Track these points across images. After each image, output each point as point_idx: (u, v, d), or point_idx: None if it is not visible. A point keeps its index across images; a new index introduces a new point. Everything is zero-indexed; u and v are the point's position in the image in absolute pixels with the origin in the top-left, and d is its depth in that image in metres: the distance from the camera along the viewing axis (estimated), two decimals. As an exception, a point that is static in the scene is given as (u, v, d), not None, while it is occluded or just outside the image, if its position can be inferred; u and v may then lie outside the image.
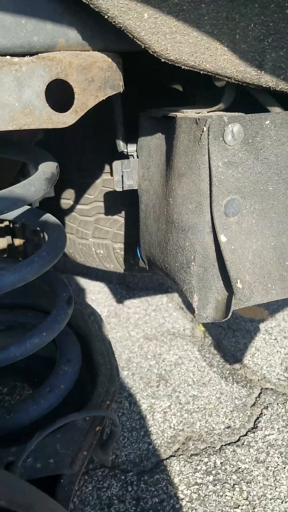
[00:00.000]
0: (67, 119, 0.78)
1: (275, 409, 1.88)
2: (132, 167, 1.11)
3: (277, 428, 1.80)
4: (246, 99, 0.92)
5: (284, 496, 1.56)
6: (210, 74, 0.77)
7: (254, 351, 2.21)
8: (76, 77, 0.77)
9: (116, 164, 1.11)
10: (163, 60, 0.75)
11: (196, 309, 0.92)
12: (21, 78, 0.74)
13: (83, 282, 2.88)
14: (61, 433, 0.89)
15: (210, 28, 0.73)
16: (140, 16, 0.70)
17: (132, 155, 1.14)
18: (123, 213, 1.46)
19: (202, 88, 0.96)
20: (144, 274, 1.75)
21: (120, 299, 2.67)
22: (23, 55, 0.77)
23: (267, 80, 0.77)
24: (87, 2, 0.69)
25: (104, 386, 0.99)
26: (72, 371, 1.02)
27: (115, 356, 1.23)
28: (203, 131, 0.82)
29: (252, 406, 1.90)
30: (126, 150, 1.14)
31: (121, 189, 1.12)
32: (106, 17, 0.70)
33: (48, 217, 1.06)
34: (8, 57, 0.75)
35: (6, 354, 0.89)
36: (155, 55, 0.74)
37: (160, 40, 0.72)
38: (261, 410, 1.88)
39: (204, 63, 0.75)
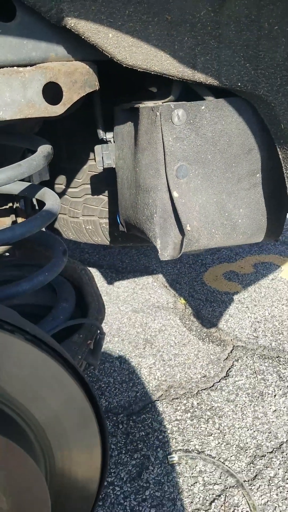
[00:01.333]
0: (58, 109, 1.10)
1: (244, 360, 2.19)
2: (110, 150, 1.43)
3: (245, 375, 2.11)
4: (193, 93, 1.24)
5: (249, 426, 1.86)
6: (159, 74, 1.08)
7: (228, 317, 2.53)
8: (64, 80, 1.08)
9: (97, 148, 1.43)
10: (124, 65, 1.06)
11: (159, 250, 1.24)
12: (25, 82, 1.05)
13: (77, 268, 3.17)
14: (62, 345, 1.20)
15: (156, 42, 1.05)
16: (107, 35, 1.02)
17: (110, 141, 1.45)
18: (106, 192, 1.78)
19: (159, 85, 1.28)
20: (126, 245, 2.04)
21: (110, 281, 2.98)
22: (25, 65, 1.09)
23: (199, 76, 1.09)
24: (70, 28, 1.00)
25: (93, 315, 1.30)
26: (68, 306, 1.32)
27: (105, 317, 1.53)
28: (156, 116, 1.14)
29: (225, 359, 2.21)
30: (105, 137, 1.45)
31: (101, 168, 1.43)
32: (83, 37, 1.01)
33: (45, 189, 1.37)
34: (15, 67, 1.06)
35: (19, 287, 1.19)
36: (118, 62, 1.05)
37: (121, 51, 1.03)
38: (233, 362, 2.19)
39: (153, 66, 1.06)
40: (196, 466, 1.72)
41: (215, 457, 1.75)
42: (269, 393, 2.00)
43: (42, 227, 1.22)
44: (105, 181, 1.76)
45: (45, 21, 1.04)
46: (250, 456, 1.74)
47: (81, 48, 1.09)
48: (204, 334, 2.39)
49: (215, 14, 1.03)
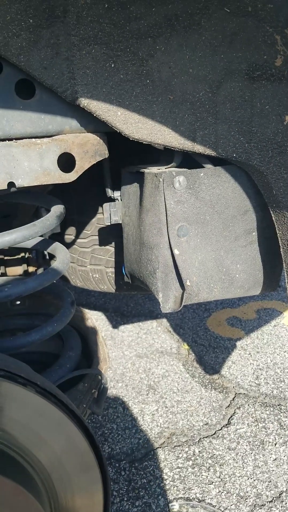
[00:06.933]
0: (71, 177, 1.21)
1: (246, 408, 2.23)
2: (117, 207, 1.54)
3: (247, 423, 2.14)
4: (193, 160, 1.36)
5: (250, 474, 1.89)
6: (162, 146, 1.20)
7: (230, 364, 2.57)
8: (77, 151, 1.20)
9: (105, 205, 1.54)
10: (131, 139, 1.18)
11: (161, 303, 1.32)
12: (42, 153, 1.17)
13: (83, 312, 3.25)
14: (68, 394, 1.26)
15: (160, 119, 1.17)
16: (116, 113, 1.14)
17: (117, 199, 1.57)
18: (113, 243, 1.88)
19: (163, 152, 1.40)
20: (131, 293, 2.13)
21: (115, 325, 3.05)
22: (42, 137, 1.21)
23: (198, 148, 1.21)
24: (83, 107, 1.13)
25: (98, 364, 1.37)
26: (74, 355, 1.40)
27: (109, 363, 1.61)
28: (160, 181, 1.25)
29: (227, 407, 2.25)
30: (113, 195, 1.57)
31: (109, 223, 1.54)
32: (95, 115, 1.14)
33: (56, 244, 1.48)
34: (33, 139, 1.18)
35: (29, 337, 1.27)
36: (126, 136, 1.17)
37: (128, 127, 1.16)
38: (235, 410, 2.23)
39: (157, 140, 1.18)
40: (197, 515, 1.74)
41: (216, 505, 1.77)
42: (270, 441, 2.03)
43: (53, 281, 1.31)
44: (112, 234, 1.86)
45: (61, 99, 1.17)
46: (250, 505, 1.76)
47: (93, 122, 1.22)
48: (207, 381, 2.44)
49: (213, 94, 1.16)
